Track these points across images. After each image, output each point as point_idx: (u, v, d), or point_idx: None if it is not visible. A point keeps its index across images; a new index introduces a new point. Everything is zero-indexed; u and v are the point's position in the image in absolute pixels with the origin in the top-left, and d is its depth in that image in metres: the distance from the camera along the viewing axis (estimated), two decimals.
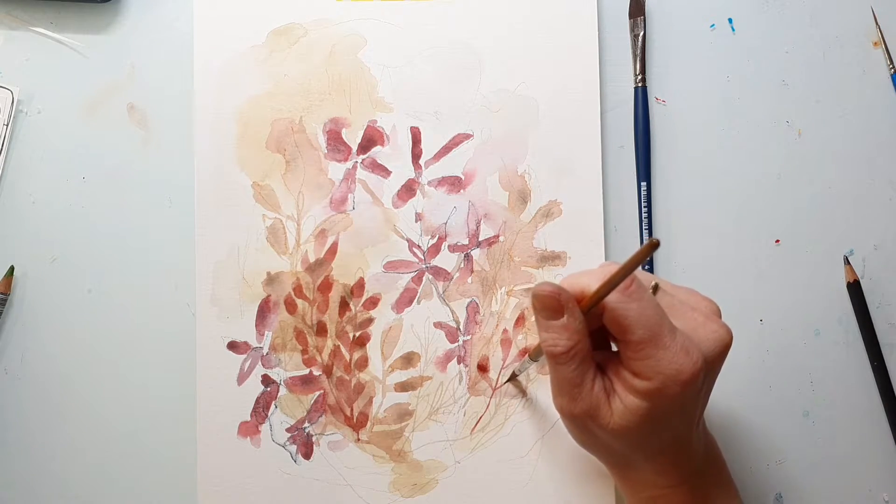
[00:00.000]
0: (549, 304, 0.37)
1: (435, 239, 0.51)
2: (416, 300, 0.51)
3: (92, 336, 0.51)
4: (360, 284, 0.51)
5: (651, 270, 0.51)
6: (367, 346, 0.51)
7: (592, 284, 0.37)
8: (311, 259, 0.51)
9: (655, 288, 0.39)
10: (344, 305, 0.51)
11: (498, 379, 0.51)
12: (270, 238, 0.51)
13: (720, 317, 0.40)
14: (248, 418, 0.50)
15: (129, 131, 0.52)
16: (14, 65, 0.52)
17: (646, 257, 0.34)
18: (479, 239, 0.51)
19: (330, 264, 0.51)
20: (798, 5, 0.54)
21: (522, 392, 0.50)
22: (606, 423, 0.38)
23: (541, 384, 0.50)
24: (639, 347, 0.36)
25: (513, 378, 0.50)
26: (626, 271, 0.35)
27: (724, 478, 0.44)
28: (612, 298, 0.36)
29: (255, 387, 0.50)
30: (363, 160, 0.52)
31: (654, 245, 0.32)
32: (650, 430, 0.38)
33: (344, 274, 0.51)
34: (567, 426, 0.41)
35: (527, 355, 0.45)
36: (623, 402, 0.38)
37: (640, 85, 0.53)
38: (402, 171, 0.52)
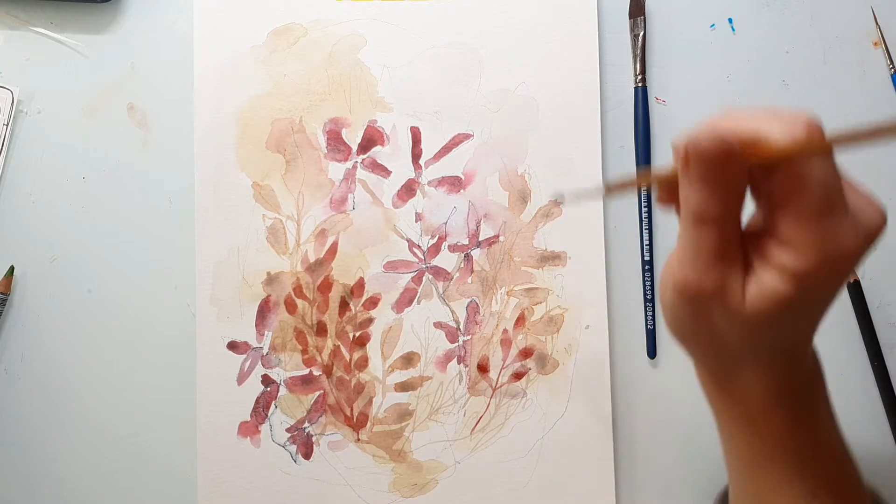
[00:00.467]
0: (715, 159, 0.30)
1: (435, 239, 0.51)
2: (416, 300, 0.51)
3: (92, 336, 0.51)
4: (360, 284, 0.51)
5: (651, 272, 0.51)
6: (367, 346, 0.51)
7: (773, 133, 0.30)
8: (311, 259, 0.51)
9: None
10: (344, 305, 0.51)
11: (497, 378, 0.51)
12: (270, 238, 0.51)
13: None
14: (248, 418, 0.50)
15: (129, 131, 0.52)
16: (14, 65, 0.52)
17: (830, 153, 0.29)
18: (479, 239, 0.51)
19: (330, 264, 0.51)
20: (798, 5, 0.54)
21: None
22: (736, 306, 0.32)
23: (541, 384, 0.50)
24: (809, 214, 0.30)
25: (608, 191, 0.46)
26: (820, 148, 0.30)
27: (825, 398, 0.37)
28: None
29: (255, 387, 0.50)
30: (363, 160, 0.52)
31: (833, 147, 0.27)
32: (783, 322, 0.33)
33: (344, 274, 0.51)
34: (677, 308, 0.34)
35: (607, 185, 0.38)
36: (762, 280, 0.31)
37: (640, 85, 0.52)
38: (402, 171, 0.52)
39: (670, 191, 0.33)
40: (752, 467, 0.36)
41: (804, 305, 0.33)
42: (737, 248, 0.32)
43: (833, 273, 0.31)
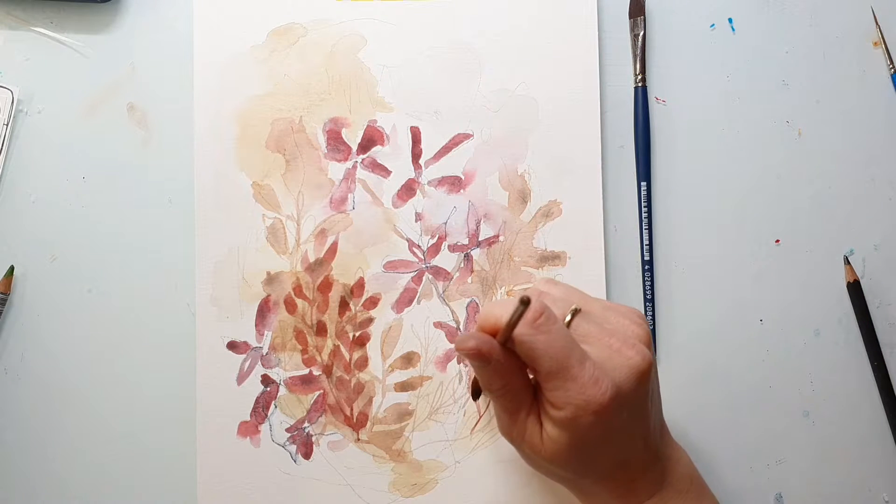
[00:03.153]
0: (475, 356, 0.38)
1: (435, 239, 0.51)
2: (416, 300, 0.51)
3: (92, 336, 0.51)
4: (360, 284, 0.51)
5: (651, 272, 0.51)
6: (367, 345, 0.51)
7: (504, 317, 0.37)
8: (311, 259, 0.51)
9: (575, 313, 0.40)
10: (344, 305, 0.51)
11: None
12: (270, 238, 0.51)
13: (648, 341, 0.40)
14: (248, 418, 0.50)
15: (129, 131, 0.52)
16: (14, 65, 0.52)
17: (516, 312, 0.36)
18: (479, 239, 0.52)
19: (330, 264, 0.51)
20: (798, 5, 0.54)
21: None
22: (539, 450, 0.39)
23: None
24: (548, 379, 0.37)
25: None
26: (518, 313, 0.36)
27: (696, 490, 0.43)
28: (520, 331, 0.37)
29: (254, 387, 0.50)
30: (363, 160, 0.52)
31: (524, 302, 0.34)
32: (581, 456, 0.39)
33: (344, 274, 0.51)
34: (517, 451, 0.43)
35: (470, 392, 0.47)
36: (548, 431, 0.39)
37: (640, 85, 0.53)
38: (402, 170, 0.52)
39: None
40: None
41: (590, 441, 0.38)
42: (528, 407, 0.39)
43: (593, 419, 0.37)
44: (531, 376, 0.41)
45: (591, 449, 0.39)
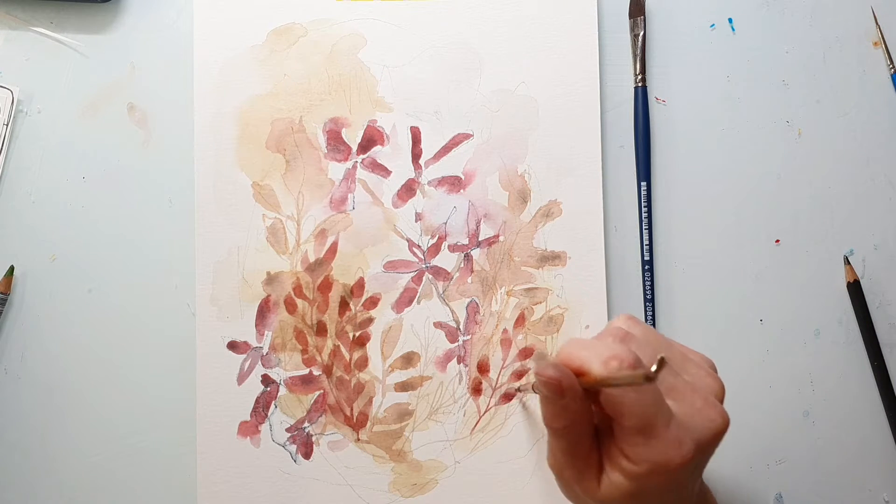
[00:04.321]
0: (551, 387, 0.36)
1: (435, 239, 0.51)
2: (416, 300, 0.51)
3: (92, 336, 0.51)
4: (360, 284, 0.51)
5: (651, 272, 0.51)
6: (367, 345, 0.51)
7: (593, 364, 0.36)
8: (311, 259, 0.51)
9: (661, 363, 0.36)
10: (344, 305, 0.51)
11: (497, 378, 0.51)
12: (270, 238, 0.51)
13: (722, 396, 0.39)
14: (248, 418, 0.50)
15: (129, 131, 0.52)
16: (14, 65, 0.52)
17: (632, 382, 0.34)
18: (479, 239, 0.52)
19: (330, 264, 0.51)
20: (798, 5, 0.54)
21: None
22: (594, 493, 0.38)
23: None
24: (631, 433, 0.36)
25: (520, 389, 0.50)
26: (627, 380, 0.34)
27: None
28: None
29: (254, 387, 0.50)
30: (363, 160, 0.52)
31: (649, 378, 0.31)
32: (636, 502, 0.38)
33: (344, 274, 0.51)
34: (557, 482, 0.42)
35: (531, 385, 0.45)
36: (610, 477, 0.38)
37: (640, 85, 0.53)
38: (402, 170, 0.52)
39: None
40: None
41: (651, 495, 0.38)
42: (588, 449, 0.38)
43: (665, 477, 0.36)
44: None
45: (650, 498, 0.38)
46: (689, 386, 0.38)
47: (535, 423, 0.50)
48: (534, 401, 0.50)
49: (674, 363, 0.39)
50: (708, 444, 0.37)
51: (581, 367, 0.36)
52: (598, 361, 0.35)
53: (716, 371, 0.40)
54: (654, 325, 0.51)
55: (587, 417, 0.38)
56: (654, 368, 0.34)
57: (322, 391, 0.51)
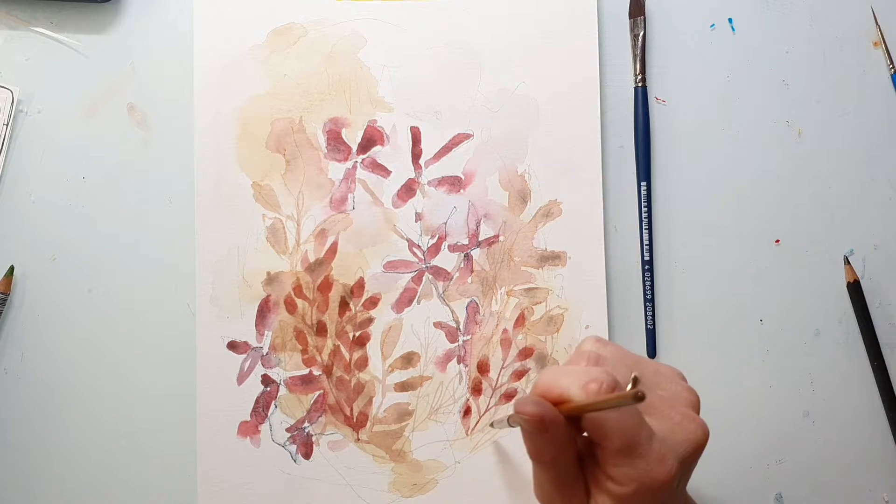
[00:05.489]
0: (535, 423, 0.36)
1: (435, 239, 0.52)
2: (415, 300, 0.51)
3: (92, 336, 0.51)
4: (360, 284, 0.51)
5: (651, 272, 0.51)
6: (367, 345, 0.51)
7: (573, 391, 0.36)
8: (311, 259, 0.51)
9: (636, 381, 0.37)
10: (344, 305, 0.51)
11: (497, 378, 0.51)
12: (270, 238, 0.51)
13: (698, 406, 0.40)
14: (248, 418, 0.50)
15: (129, 131, 0.52)
16: (14, 65, 0.52)
17: (622, 403, 0.33)
18: (479, 239, 0.52)
19: (330, 264, 0.51)
20: (798, 5, 0.54)
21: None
22: None
23: None
24: (615, 455, 0.36)
25: (493, 425, 0.50)
26: (607, 404, 0.34)
27: None
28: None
29: (254, 387, 0.50)
30: (363, 160, 0.52)
31: (639, 398, 0.31)
32: None
33: (344, 274, 0.51)
34: None
35: (507, 419, 0.45)
36: (597, 500, 0.37)
37: (640, 85, 0.53)
38: (402, 170, 0.52)
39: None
40: None
41: None
42: (574, 476, 0.38)
43: (651, 495, 0.36)
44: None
45: None
46: (665, 401, 0.38)
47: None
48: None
49: (647, 380, 0.39)
50: (690, 457, 0.37)
51: (561, 396, 0.36)
52: (577, 387, 0.36)
53: (686, 381, 0.40)
54: (653, 325, 0.51)
55: (572, 445, 0.37)
56: (629, 388, 0.35)
57: (322, 391, 0.51)
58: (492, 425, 0.50)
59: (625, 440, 0.36)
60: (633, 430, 0.36)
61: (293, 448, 0.50)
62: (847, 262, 0.52)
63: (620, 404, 0.34)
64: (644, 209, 0.52)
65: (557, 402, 0.36)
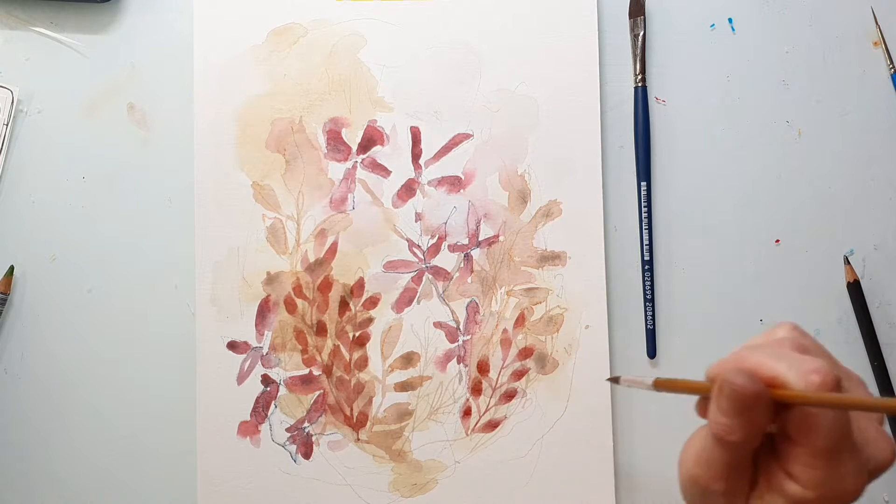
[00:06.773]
0: (743, 398, 0.33)
1: (435, 239, 0.51)
2: (415, 300, 0.51)
3: (92, 336, 0.51)
4: (360, 284, 0.51)
5: (651, 272, 0.51)
6: (367, 345, 0.51)
7: (791, 377, 0.33)
8: (311, 259, 0.51)
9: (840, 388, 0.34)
10: (344, 305, 0.51)
11: (497, 378, 0.51)
12: (270, 238, 0.51)
13: (882, 424, 0.37)
14: (248, 418, 0.50)
15: (129, 131, 0.52)
16: (14, 65, 0.52)
17: (866, 409, 0.31)
18: (479, 239, 0.51)
19: (330, 264, 0.51)
20: (798, 5, 0.54)
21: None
22: None
23: (541, 384, 0.50)
24: (812, 455, 0.33)
25: (620, 381, 0.46)
26: (841, 404, 0.31)
27: None
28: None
29: (254, 386, 0.50)
30: (363, 160, 0.52)
31: (891, 408, 0.29)
32: None
33: (344, 274, 0.51)
34: (688, 490, 0.37)
35: (654, 383, 0.40)
36: (765, 497, 0.34)
37: (640, 85, 0.52)
38: (401, 170, 0.52)
39: (704, 402, 0.36)
40: None
41: None
42: (748, 465, 0.35)
43: None
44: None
45: None
46: (863, 413, 0.35)
47: (536, 422, 0.50)
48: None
49: (848, 386, 0.35)
50: (874, 478, 0.35)
51: (775, 379, 0.33)
52: (797, 375, 0.32)
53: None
54: (653, 325, 0.51)
55: (763, 432, 0.34)
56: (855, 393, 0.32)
57: (322, 391, 0.51)
58: (616, 380, 0.45)
59: (831, 443, 0.32)
60: (844, 435, 0.33)
61: (293, 448, 0.50)
62: (847, 262, 0.52)
63: (865, 409, 0.31)
64: (644, 209, 0.52)
65: (768, 384, 0.33)
